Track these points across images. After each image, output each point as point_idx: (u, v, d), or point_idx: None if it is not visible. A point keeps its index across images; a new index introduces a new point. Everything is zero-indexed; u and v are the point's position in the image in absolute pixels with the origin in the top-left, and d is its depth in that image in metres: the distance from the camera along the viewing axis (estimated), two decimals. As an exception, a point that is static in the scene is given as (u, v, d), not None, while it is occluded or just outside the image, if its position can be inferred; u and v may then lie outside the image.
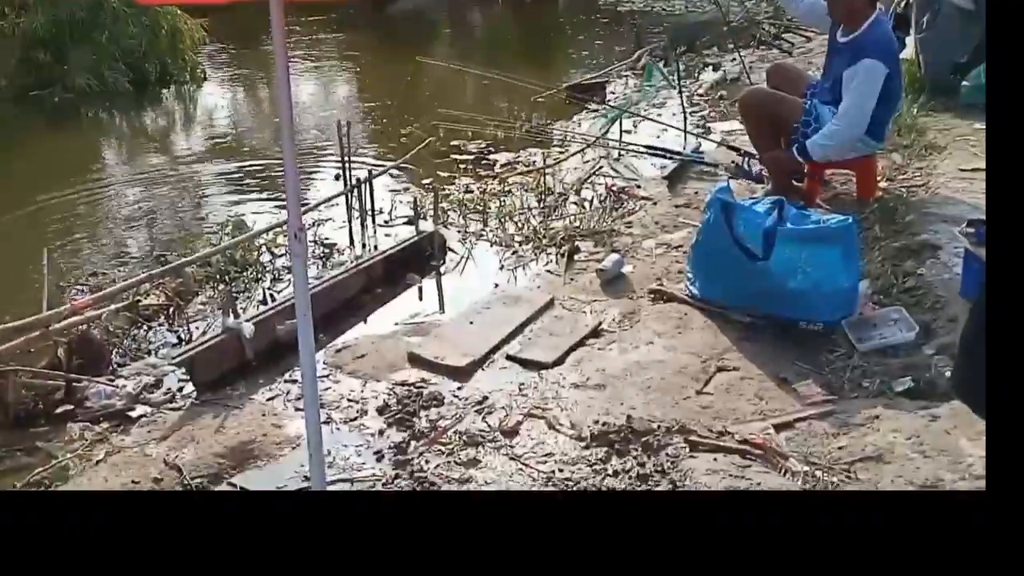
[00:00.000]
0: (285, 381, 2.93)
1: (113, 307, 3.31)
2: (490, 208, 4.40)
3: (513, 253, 3.93)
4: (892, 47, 3.50)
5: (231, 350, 2.99)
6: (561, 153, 5.23)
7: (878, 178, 3.81)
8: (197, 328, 3.38)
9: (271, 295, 3.64)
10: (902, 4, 4.97)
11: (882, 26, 3.50)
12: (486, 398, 2.71)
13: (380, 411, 2.69)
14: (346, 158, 4.45)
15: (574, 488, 2.23)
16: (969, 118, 4.37)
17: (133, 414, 2.77)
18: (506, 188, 4.67)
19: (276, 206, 4.89)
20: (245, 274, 3.81)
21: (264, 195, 5.15)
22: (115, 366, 3.08)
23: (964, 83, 4.51)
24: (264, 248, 4.02)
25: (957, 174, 3.81)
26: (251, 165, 5.74)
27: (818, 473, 2.18)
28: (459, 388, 2.81)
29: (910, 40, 4.91)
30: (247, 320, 3.05)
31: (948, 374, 2.46)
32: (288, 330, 3.11)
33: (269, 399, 2.83)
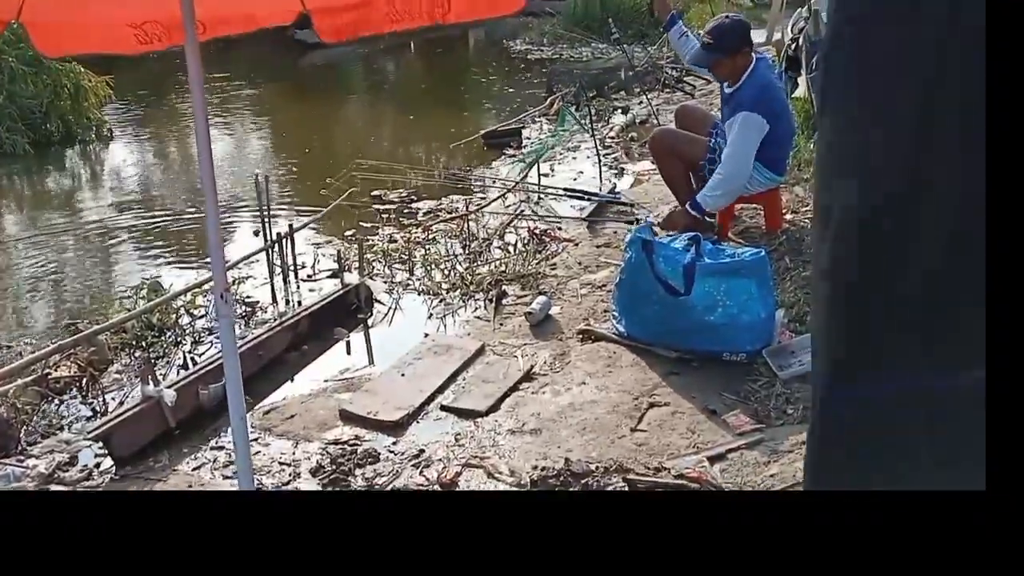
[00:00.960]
0: (211, 448, 2.83)
1: (20, 382, 3.13)
2: (415, 257, 4.40)
3: (441, 301, 3.93)
4: (768, 95, 3.69)
5: (151, 419, 2.86)
6: (483, 198, 5.30)
7: (783, 210, 4.01)
8: (113, 399, 3.22)
9: (192, 359, 3.52)
10: (792, 47, 5.29)
11: (758, 77, 3.71)
12: (422, 451, 2.68)
13: (314, 472, 2.62)
14: (265, 213, 4.38)
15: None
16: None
17: (46, 495, 2.60)
18: (430, 236, 4.69)
19: (190, 266, 4.75)
20: (163, 338, 3.67)
21: (178, 255, 5.00)
22: (24, 445, 2.89)
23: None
24: (182, 310, 3.89)
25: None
26: (163, 224, 5.58)
27: (752, 501, 2.24)
28: (394, 443, 2.77)
29: (803, 80, 5.23)
30: (167, 387, 2.94)
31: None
32: (212, 395, 3.01)
33: (195, 468, 2.72)
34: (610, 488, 2.38)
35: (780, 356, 2.91)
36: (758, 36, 5.76)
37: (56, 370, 3.31)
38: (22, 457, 2.81)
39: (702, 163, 3.86)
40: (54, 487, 2.64)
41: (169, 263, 4.87)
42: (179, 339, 3.69)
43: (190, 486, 2.59)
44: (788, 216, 4.03)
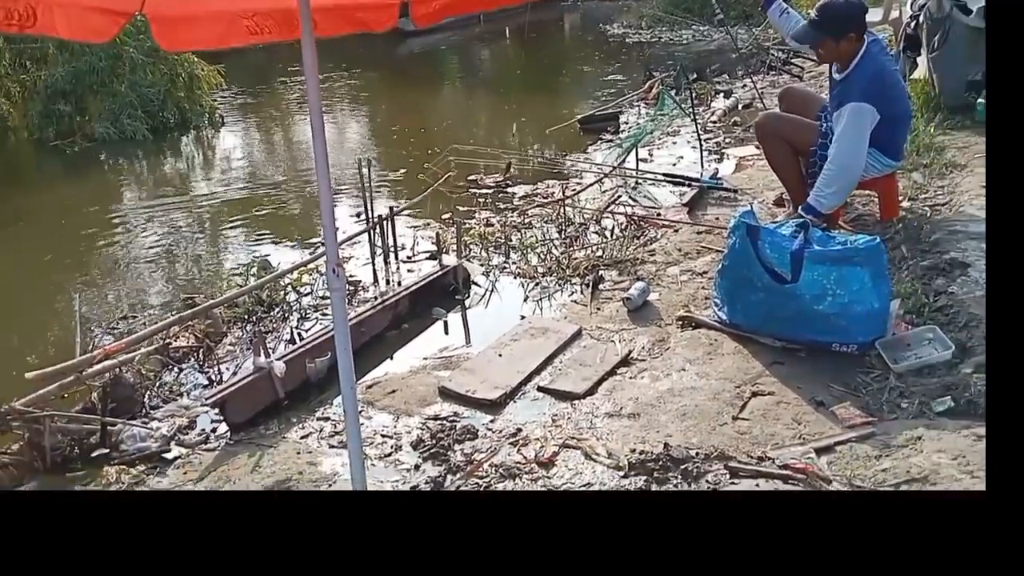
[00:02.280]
0: (318, 419, 2.94)
1: (144, 350, 3.33)
2: (512, 240, 4.42)
3: (537, 284, 3.94)
4: (881, 82, 3.42)
5: (263, 389, 3.00)
6: (578, 184, 5.27)
7: (900, 198, 3.81)
8: (227, 369, 3.40)
9: (299, 334, 3.66)
10: (912, 25, 5.00)
11: (869, 63, 3.44)
12: (520, 430, 2.70)
13: (415, 446, 2.68)
14: (368, 195, 4.50)
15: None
16: (987, 135, 4.37)
17: (168, 456, 2.77)
18: (526, 220, 4.70)
19: (294, 246, 4.94)
20: (272, 313, 3.84)
21: (284, 235, 5.20)
22: (148, 409, 3.09)
23: (979, 100, 4.52)
24: (290, 287, 4.05)
25: (980, 191, 3.80)
26: (270, 206, 5.82)
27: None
28: (492, 421, 2.80)
29: (922, 60, 4.94)
30: (277, 359, 3.07)
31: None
32: (318, 368, 3.13)
33: (302, 437, 2.83)
34: (710, 475, 2.33)
35: (895, 348, 2.77)
36: (874, 15, 5.45)
37: (176, 340, 3.52)
38: (146, 420, 3.00)
39: (812, 148, 3.66)
40: (175, 449, 2.81)
41: (276, 243, 5.07)
42: (286, 315, 3.85)
43: (298, 454, 2.70)
44: (905, 204, 3.82)
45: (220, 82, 8.47)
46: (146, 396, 3.14)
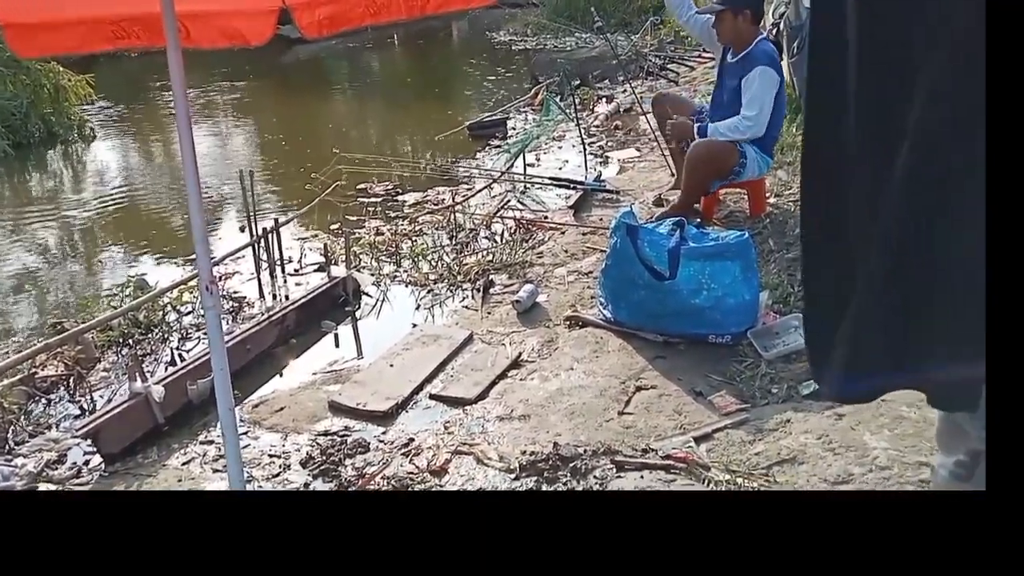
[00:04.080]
0: (200, 443, 2.83)
1: (6, 381, 3.12)
2: (402, 248, 4.40)
3: (428, 292, 3.93)
4: (777, 60, 3.75)
5: (140, 416, 2.86)
6: (469, 190, 5.30)
7: (767, 195, 4.03)
8: (101, 396, 3.22)
9: (180, 355, 3.51)
10: (774, 32, 5.30)
11: (765, 49, 3.77)
12: (412, 439, 2.70)
13: (304, 464, 2.62)
14: (251, 208, 4.37)
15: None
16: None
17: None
18: (417, 228, 4.69)
19: (176, 263, 4.74)
20: (151, 335, 3.67)
21: (164, 252, 4.98)
22: (13, 445, 2.88)
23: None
24: (169, 307, 3.88)
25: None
26: (148, 222, 5.55)
27: (739, 480, 2.27)
28: (384, 432, 2.78)
29: (784, 65, 5.24)
30: (156, 383, 2.94)
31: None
32: (200, 390, 3.01)
33: (184, 463, 2.72)
34: (598, 471, 2.40)
35: (764, 337, 2.93)
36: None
37: (43, 369, 3.30)
38: (10, 457, 2.80)
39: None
40: (43, 485, 2.64)
41: (156, 261, 4.85)
42: (166, 336, 3.69)
43: (180, 481, 2.60)
44: (772, 200, 4.05)
45: (90, 93, 8.00)
46: (9, 431, 2.93)
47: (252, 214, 4.38)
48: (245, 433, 2.81)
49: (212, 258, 4.07)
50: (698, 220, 3.57)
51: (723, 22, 3.77)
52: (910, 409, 2.37)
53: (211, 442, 2.82)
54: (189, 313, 3.87)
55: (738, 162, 3.74)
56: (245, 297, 4.05)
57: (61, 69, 7.59)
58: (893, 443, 2.29)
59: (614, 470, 2.39)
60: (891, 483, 2.14)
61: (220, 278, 4.15)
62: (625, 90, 6.89)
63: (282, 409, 2.97)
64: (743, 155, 3.73)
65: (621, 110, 6.69)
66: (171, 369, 3.20)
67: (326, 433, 2.78)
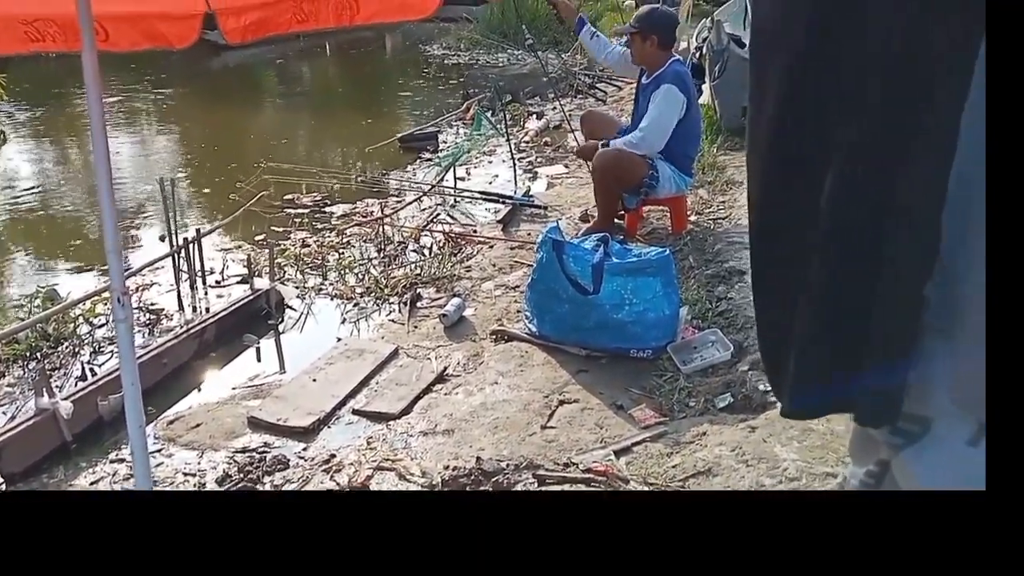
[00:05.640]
0: (111, 461, 2.73)
1: (-102, 398, 2.94)
2: (329, 261, 4.35)
3: (355, 305, 3.90)
4: (687, 81, 3.92)
5: (46, 433, 2.74)
6: (398, 202, 5.28)
7: (688, 212, 4.16)
8: (4, 413, 3.07)
9: (91, 369, 3.38)
10: (696, 56, 5.49)
11: (678, 66, 3.95)
12: (333, 456, 2.66)
13: (220, 482, 2.56)
14: (171, 217, 4.25)
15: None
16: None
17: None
18: (344, 240, 4.64)
19: (90, 273, 4.56)
20: (60, 349, 3.52)
21: (77, 262, 4.79)
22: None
23: (754, 124, 5.04)
24: (81, 319, 3.73)
25: (756, 206, 4.23)
26: (60, 229, 5.33)
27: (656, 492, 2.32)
28: (304, 448, 2.74)
29: (706, 87, 5.43)
30: (64, 398, 2.82)
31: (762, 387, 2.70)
32: (112, 406, 2.91)
33: (92, 483, 2.62)
34: (520, 485, 2.42)
35: (683, 352, 3.02)
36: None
37: (-60, 385, 3.13)
38: (-99, 478, 2.64)
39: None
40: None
41: (69, 271, 4.66)
42: (77, 349, 3.54)
43: (88, 500, 2.49)
44: (692, 218, 4.18)
45: (0, 94, 7.64)
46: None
47: (173, 223, 4.26)
48: (158, 451, 2.73)
49: (127, 268, 3.96)
50: (622, 236, 3.65)
51: (635, 43, 3.96)
52: (818, 422, 2.48)
53: (122, 460, 2.72)
54: (103, 326, 3.73)
55: (647, 174, 3.85)
56: (163, 309, 3.93)
57: (-30, 69, 7.24)
58: (802, 455, 2.39)
59: (536, 484, 2.41)
60: (799, 493, 2.22)
61: (137, 289, 4.02)
62: (555, 107, 6.99)
63: (199, 425, 2.89)
64: (654, 169, 3.85)
65: (551, 127, 6.78)
66: (81, 384, 3.08)
67: (244, 450, 2.72)
